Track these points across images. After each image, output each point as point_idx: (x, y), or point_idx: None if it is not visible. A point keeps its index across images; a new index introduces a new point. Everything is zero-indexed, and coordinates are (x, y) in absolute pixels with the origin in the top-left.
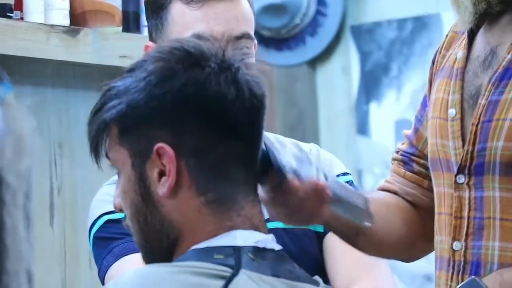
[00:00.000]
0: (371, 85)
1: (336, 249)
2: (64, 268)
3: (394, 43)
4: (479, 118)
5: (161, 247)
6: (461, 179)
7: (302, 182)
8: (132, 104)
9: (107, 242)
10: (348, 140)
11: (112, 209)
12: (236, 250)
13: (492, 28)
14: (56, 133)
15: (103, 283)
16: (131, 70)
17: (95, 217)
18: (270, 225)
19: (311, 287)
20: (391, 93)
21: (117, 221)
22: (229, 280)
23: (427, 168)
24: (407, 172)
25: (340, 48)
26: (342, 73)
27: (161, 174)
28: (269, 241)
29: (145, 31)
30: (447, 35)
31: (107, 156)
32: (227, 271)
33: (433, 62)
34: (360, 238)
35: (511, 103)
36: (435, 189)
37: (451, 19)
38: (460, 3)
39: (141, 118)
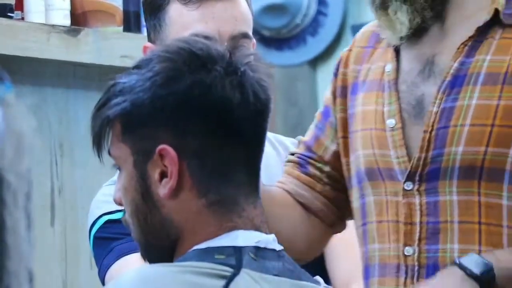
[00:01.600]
0: None
1: (337, 247)
2: (65, 268)
3: None
4: (433, 125)
5: (161, 246)
6: (409, 186)
7: None
8: (136, 103)
9: (107, 242)
10: None
11: (112, 209)
12: (237, 250)
13: (421, 40)
14: (56, 133)
15: (103, 283)
16: (137, 67)
17: (95, 218)
18: None
19: (312, 287)
20: None
21: (117, 221)
22: (230, 279)
23: (323, 172)
24: (301, 174)
25: (341, 48)
26: None
27: (163, 175)
28: (270, 241)
29: (146, 31)
30: (350, 50)
31: (109, 153)
32: (228, 270)
33: (335, 75)
34: None
35: (467, 109)
36: (368, 199)
37: None
38: (394, 19)
39: (145, 117)
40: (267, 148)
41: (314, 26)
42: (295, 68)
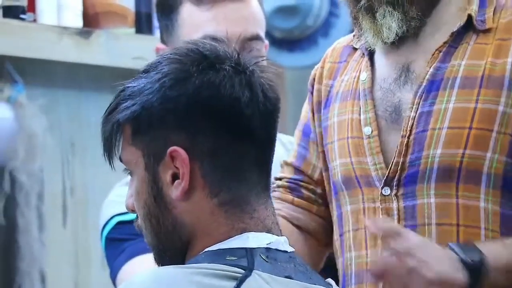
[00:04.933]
0: None
1: None
2: (77, 268)
3: None
4: (411, 130)
5: (173, 248)
6: (387, 191)
7: None
8: (146, 105)
9: (119, 243)
10: None
11: (124, 210)
12: (249, 252)
13: (396, 47)
14: (68, 133)
15: (114, 284)
16: (146, 71)
17: (107, 218)
18: None
19: None
20: None
21: (129, 222)
22: (241, 281)
23: (316, 194)
24: (296, 198)
25: None
26: None
27: (174, 176)
28: (282, 243)
29: (158, 33)
30: (322, 67)
31: (120, 159)
32: (239, 272)
33: (311, 93)
34: None
35: (445, 112)
36: (344, 209)
37: None
38: (381, 24)
39: (155, 119)
40: (279, 150)
41: (325, 27)
42: (307, 70)
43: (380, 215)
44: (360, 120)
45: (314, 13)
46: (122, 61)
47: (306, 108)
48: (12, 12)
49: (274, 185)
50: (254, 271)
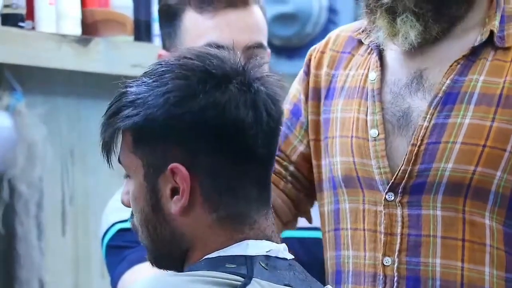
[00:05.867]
0: None
1: None
2: (77, 277)
3: None
4: (422, 140)
5: (171, 255)
6: (391, 196)
7: None
8: (149, 118)
9: (120, 250)
10: None
11: (125, 217)
12: (248, 259)
13: (410, 53)
14: (67, 141)
15: None
16: (149, 77)
17: (108, 225)
18: (284, 234)
19: None
20: None
21: (130, 229)
22: None
23: (287, 171)
24: None
25: None
26: None
27: (174, 190)
28: (281, 250)
29: (156, 40)
30: (322, 52)
31: (119, 161)
32: (239, 280)
33: (306, 74)
34: None
35: (460, 127)
36: (342, 205)
37: None
38: (398, 29)
39: (157, 134)
40: None
41: (324, 35)
42: None
43: (382, 219)
44: (366, 121)
45: (313, 20)
46: (121, 69)
47: (297, 88)
48: (11, 20)
49: None
50: (253, 279)
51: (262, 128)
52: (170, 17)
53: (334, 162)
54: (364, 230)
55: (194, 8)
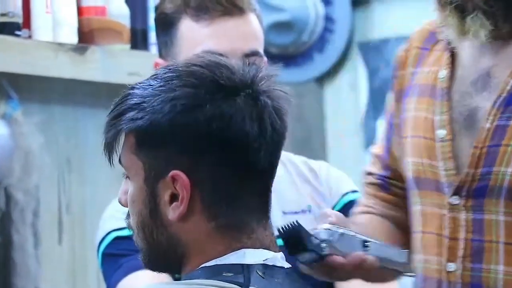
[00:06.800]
0: (379, 101)
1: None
2: (73, 285)
3: None
4: (484, 142)
5: (166, 259)
6: (456, 200)
7: (345, 259)
8: (154, 123)
9: (116, 258)
10: (356, 156)
11: (122, 225)
12: (245, 268)
13: (482, 49)
14: (64, 150)
15: None
16: (156, 79)
17: (104, 233)
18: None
19: None
20: None
21: (126, 237)
22: None
23: (402, 189)
24: (386, 195)
25: (348, 65)
26: (350, 90)
27: (173, 197)
28: (278, 259)
29: (153, 49)
30: (407, 50)
31: (119, 161)
32: None
33: (395, 78)
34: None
35: None
36: (416, 207)
37: None
38: (470, 29)
39: (161, 139)
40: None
41: (321, 43)
42: (302, 85)
43: (447, 223)
44: (433, 121)
45: (309, 29)
46: (117, 77)
47: (390, 97)
48: (7, 28)
49: (366, 180)
50: (250, 287)
51: (266, 141)
52: (166, 25)
53: (407, 163)
54: (430, 233)
55: (190, 16)
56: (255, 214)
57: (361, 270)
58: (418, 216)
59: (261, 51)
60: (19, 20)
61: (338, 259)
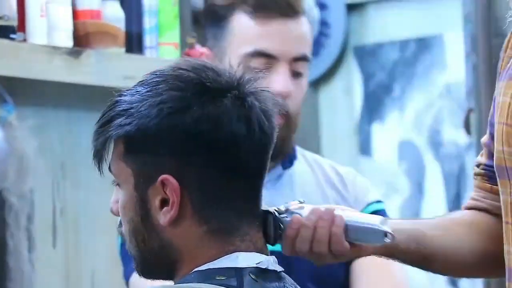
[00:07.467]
0: (373, 105)
1: (370, 271)
2: None
3: (396, 64)
4: None
5: (158, 265)
6: None
7: (306, 218)
8: (141, 128)
9: None
10: (350, 160)
11: None
12: (238, 271)
13: None
14: (58, 154)
15: (127, 284)
16: (143, 85)
17: None
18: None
19: None
20: (393, 113)
21: None
22: None
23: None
24: (494, 186)
25: (343, 69)
26: (345, 94)
27: (163, 202)
28: (271, 262)
29: (148, 52)
30: None
31: (109, 169)
32: None
33: (500, 59)
34: (434, 263)
35: None
36: (501, 197)
37: (454, 40)
38: None
39: (149, 144)
40: (302, 166)
41: (316, 47)
42: None
43: None
44: None
45: None
46: (112, 81)
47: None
48: (2, 31)
49: (474, 171)
50: None
51: (254, 142)
52: (218, 18)
53: (493, 150)
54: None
55: (245, 12)
56: (245, 216)
57: (329, 229)
58: (503, 206)
59: (309, 55)
60: (14, 23)
61: (297, 220)
